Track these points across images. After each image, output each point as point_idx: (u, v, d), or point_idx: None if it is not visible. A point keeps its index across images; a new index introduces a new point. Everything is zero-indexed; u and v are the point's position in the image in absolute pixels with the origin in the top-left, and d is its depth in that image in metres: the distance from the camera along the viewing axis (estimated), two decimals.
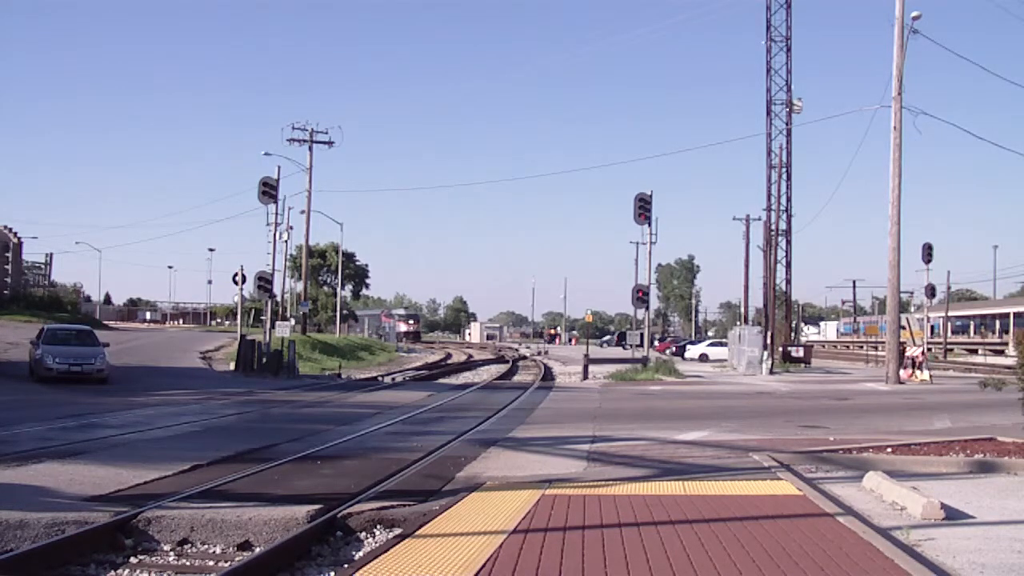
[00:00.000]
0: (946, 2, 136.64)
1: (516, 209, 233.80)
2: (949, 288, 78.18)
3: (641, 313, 40.49)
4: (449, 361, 54.52)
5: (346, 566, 6.79)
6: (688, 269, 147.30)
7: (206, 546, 7.83)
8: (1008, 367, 32.12)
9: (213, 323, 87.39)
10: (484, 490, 9.51)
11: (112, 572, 7.12)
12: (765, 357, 39.07)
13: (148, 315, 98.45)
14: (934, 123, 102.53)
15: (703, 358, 53.65)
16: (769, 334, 42.55)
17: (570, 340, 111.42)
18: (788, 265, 48.34)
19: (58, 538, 7.40)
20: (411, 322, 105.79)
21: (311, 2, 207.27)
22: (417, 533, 7.34)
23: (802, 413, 19.95)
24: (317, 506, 8.58)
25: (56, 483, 9.74)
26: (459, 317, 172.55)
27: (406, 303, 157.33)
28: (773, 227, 47.56)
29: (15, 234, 59.04)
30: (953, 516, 8.17)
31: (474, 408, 20.96)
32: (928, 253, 37.22)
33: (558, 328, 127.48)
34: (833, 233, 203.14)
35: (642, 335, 39.27)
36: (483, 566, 6.21)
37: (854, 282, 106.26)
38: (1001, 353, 58.27)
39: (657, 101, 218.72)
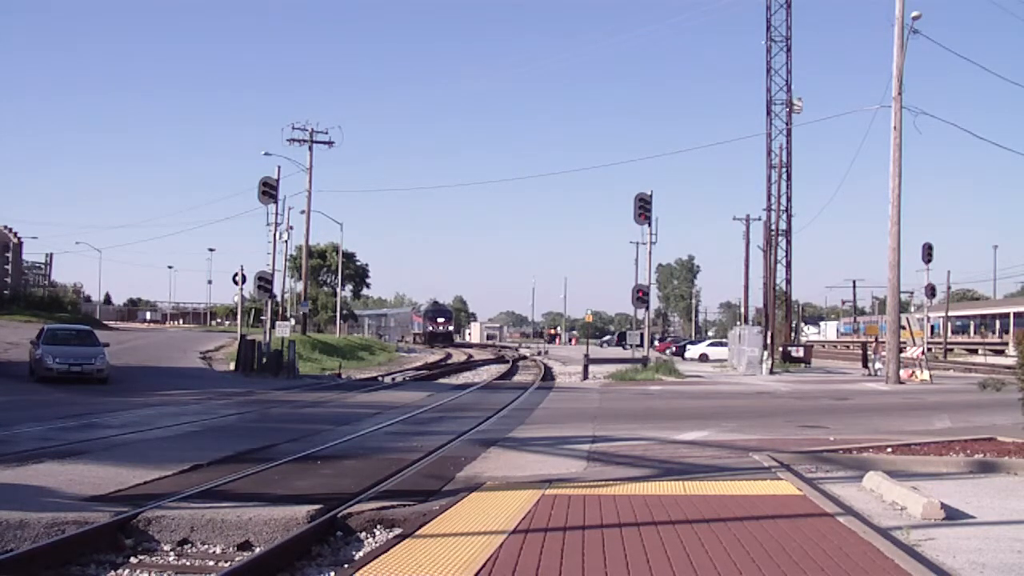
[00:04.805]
0: (946, 2, 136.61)
1: (516, 209, 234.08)
2: (949, 288, 78.14)
3: (641, 313, 40.51)
4: (449, 361, 54.46)
5: (346, 566, 6.79)
6: (688, 269, 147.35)
7: (206, 546, 7.83)
8: (1008, 367, 32.19)
9: (213, 323, 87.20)
10: (484, 490, 9.51)
11: (112, 572, 7.12)
12: (765, 357, 39.07)
13: (148, 315, 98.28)
14: (934, 123, 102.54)
15: (703, 358, 53.65)
16: (769, 334, 42.55)
17: (570, 340, 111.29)
18: (788, 265, 48.37)
19: (58, 538, 7.39)
20: (441, 320, 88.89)
21: (311, 2, 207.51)
22: (417, 533, 7.34)
23: (802, 413, 19.95)
24: (317, 506, 8.58)
25: (56, 483, 9.74)
26: (459, 317, 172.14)
27: (406, 303, 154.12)
28: (773, 227, 47.59)
29: (15, 234, 59.07)
30: (953, 516, 8.17)
31: (474, 408, 20.96)
32: (928, 253, 37.20)
33: (558, 328, 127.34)
34: (833, 233, 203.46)
35: (642, 335, 39.28)
36: (483, 566, 6.21)
37: (854, 282, 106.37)
38: (1001, 353, 58.29)
39: (657, 101, 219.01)
